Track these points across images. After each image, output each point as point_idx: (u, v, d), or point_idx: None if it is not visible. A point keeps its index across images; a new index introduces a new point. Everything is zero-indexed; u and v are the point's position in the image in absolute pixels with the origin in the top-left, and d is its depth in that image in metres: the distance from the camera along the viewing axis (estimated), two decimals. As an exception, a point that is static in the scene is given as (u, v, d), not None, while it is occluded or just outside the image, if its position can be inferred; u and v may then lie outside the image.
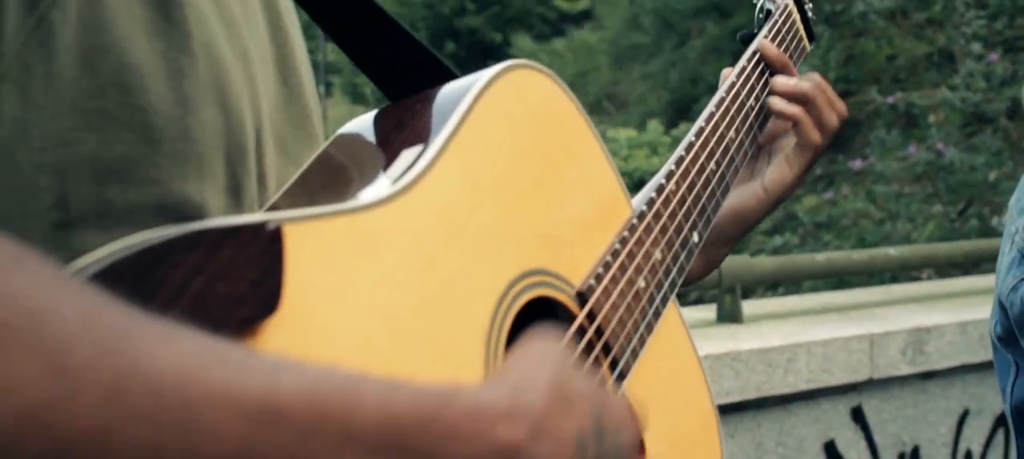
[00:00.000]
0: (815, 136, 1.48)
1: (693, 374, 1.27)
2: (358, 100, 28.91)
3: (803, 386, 3.99)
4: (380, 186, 0.94)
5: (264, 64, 0.89)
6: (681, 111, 19.09)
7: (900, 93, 7.81)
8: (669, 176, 1.28)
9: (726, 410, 3.86)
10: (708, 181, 1.35)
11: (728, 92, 1.46)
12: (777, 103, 1.48)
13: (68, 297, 0.54)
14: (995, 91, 7.54)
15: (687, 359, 1.26)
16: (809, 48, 1.73)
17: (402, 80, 1.14)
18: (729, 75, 1.51)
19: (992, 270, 2.11)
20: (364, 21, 1.13)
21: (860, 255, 4.93)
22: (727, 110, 1.44)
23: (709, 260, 1.49)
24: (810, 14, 1.79)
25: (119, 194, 0.76)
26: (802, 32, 1.71)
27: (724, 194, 1.38)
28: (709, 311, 4.72)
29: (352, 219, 0.86)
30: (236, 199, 0.85)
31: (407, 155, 0.97)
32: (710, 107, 1.43)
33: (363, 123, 1.10)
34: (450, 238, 0.94)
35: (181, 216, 0.79)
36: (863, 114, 7.97)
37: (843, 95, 8.80)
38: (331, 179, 0.99)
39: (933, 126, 7.56)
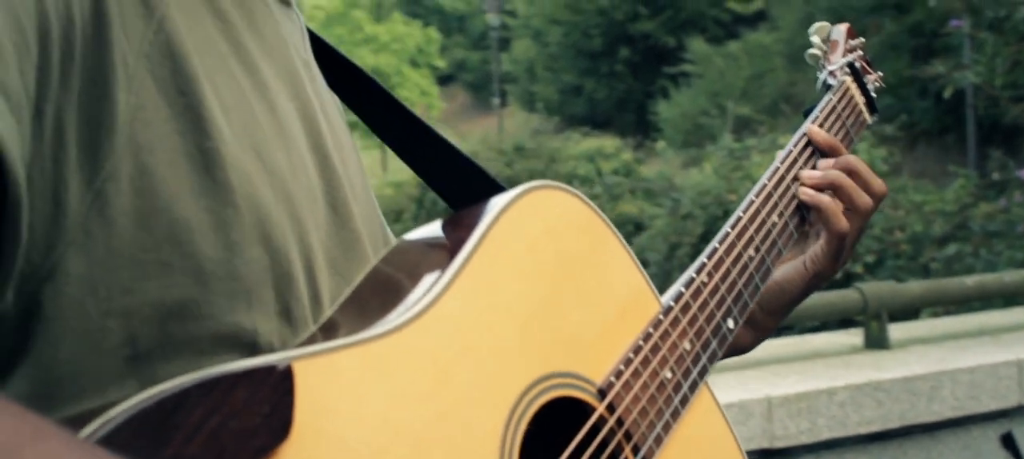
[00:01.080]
0: (841, 224, 1.50)
1: (727, 448, 1.31)
2: (533, 107, 29.18)
3: (949, 414, 3.95)
4: (400, 310, 1.02)
5: (312, 200, 0.99)
6: (860, 111, 18.74)
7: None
8: (700, 269, 1.33)
9: (869, 440, 3.85)
10: (745, 268, 1.39)
11: (771, 178, 1.50)
12: (804, 193, 1.51)
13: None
14: None
15: (720, 435, 1.31)
16: (870, 120, 1.76)
17: (457, 192, 1.25)
18: (777, 158, 1.54)
19: None
20: (419, 137, 1.27)
21: (1012, 277, 4.83)
22: (770, 196, 1.47)
23: (758, 332, 1.54)
24: (874, 85, 1.81)
25: (179, 329, 0.86)
26: (862, 106, 1.74)
27: (764, 278, 1.42)
28: (856, 336, 4.69)
29: (366, 348, 0.94)
30: (288, 321, 0.94)
31: (428, 279, 1.06)
32: (751, 196, 1.47)
33: (415, 236, 1.19)
34: (464, 354, 1.01)
35: (235, 343, 0.89)
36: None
37: (1011, 101, 8.61)
38: (379, 292, 1.08)
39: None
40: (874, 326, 4.47)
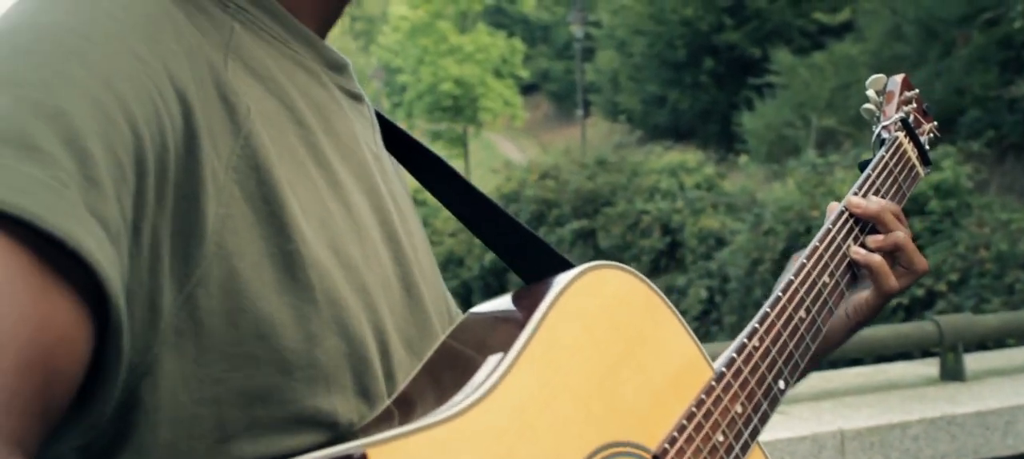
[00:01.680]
0: (891, 283, 1.58)
1: None
2: (617, 118, 29.17)
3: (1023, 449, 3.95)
4: (467, 390, 1.11)
5: (386, 286, 1.07)
6: (946, 124, 18.47)
7: None
8: (752, 334, 1.39)
9: (943, 472, 3.86)
10: (796, 330, 1.44)
11: (822, 240, 1.55)
12: (856, 253, 1.58)
13: None
14: None
15: None
16: (923, 173, 1.81)
17: (523, 263, 1.34)
18: (828, 221, 1.61)
19: None
20: (486, 212, 1.35)
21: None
22: (821, 257, 1.53)
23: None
24: (928, 136, 1.86)
25: (264, 413, 0.95)
26: (915, 159, 1.78)
27: (815, 338, 1.47)
28: (932, 366, 4.69)
29: (434, 432, 1.02)
30: (365, 399, 1.03)
31: (494, 356, 1.14)
32: (802, 259, 1.53)
33: (482, 309, 1.27)
34: (528, 431, 1.08)
35: (316, 423, 0.98)
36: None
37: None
38: (450, 366, 1.16)
39: None
40: (950, 357, 4.48)
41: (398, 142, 1.31)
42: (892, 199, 1.68)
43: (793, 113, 20.97)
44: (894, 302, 12.43)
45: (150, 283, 0.87)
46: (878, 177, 1.68)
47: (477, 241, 1.34)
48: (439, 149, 33.48)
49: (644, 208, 16.35)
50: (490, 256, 15.89)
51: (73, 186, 0.75)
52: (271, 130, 0.99)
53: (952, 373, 4.44)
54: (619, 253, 16.60)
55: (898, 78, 1.90)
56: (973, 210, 12.28)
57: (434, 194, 1.38)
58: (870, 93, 1.88)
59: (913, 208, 12.50)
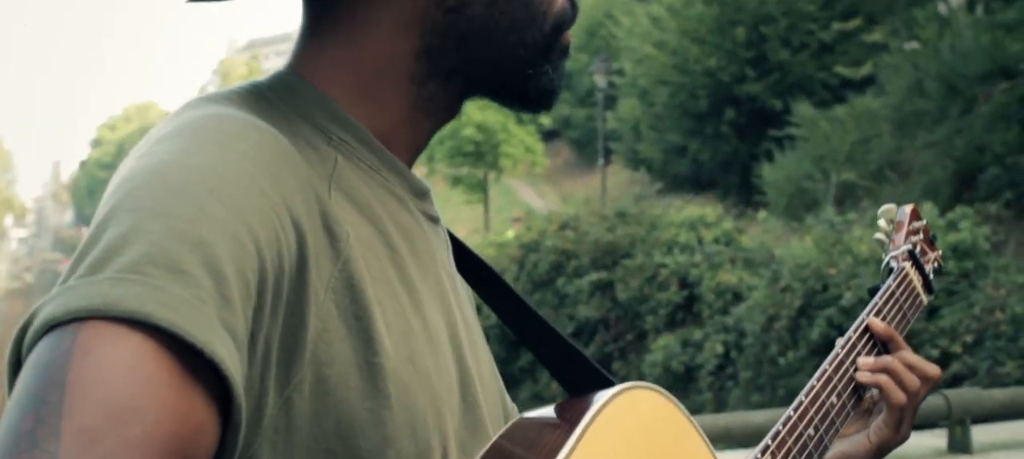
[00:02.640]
0: (899, 397, 1.68)
1: None
2: (637, 167, 29.23)
3: (1026, 525, 3.99)
4: None
5: (450, 393, 1.19)
6: (966, 181, 18.49)
7: None
8: (764, 450, 1.50)
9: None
10: (804, 447, 1.56)
11: (831, 363, 1.67)
12: (862, 376, 1.69)
13: None
14: None
15: None
16: (926, 302, 1.90)
17: (571, 379, 1.46)
18: (837, 345, 1.71)
19: None
20: (538, 329, 1.48)
21: (1003, 393, 4.85)
22: (829, 379, 1.65)
23: None
24: (933, 266, 1.96)
25: None
26: (919, 289, 1.89)
27: (822, 454, 1.59)
28: (940, 438, 4.75)
29: None
30: None
31: None
32: (813, 380, 1.63)
33: (532, 415, 1.38)
34: None
35: None
36: None
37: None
38: None
39: None
40: (958, 430, 4.54)
41: (464, 258, 1.43)
42: (897, 326, 1.78)
43: (813, 166, 21.03)
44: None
45: (259, 386, 1.00)
46: (885, 305, 1.79)
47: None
48: (460, 194, 33.66)
49: (662, 261, 16.40)
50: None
51: (210, 303, 0.90)
52: (365, 253, 1.12)
53: (960, 446, 4.51)
54: (636, 305, 16.65)
55: (907, 208, 2.02)
56: (990, 271, 12.31)
57: (491, 306, 1.49)
58: (881, 223, 1.98)
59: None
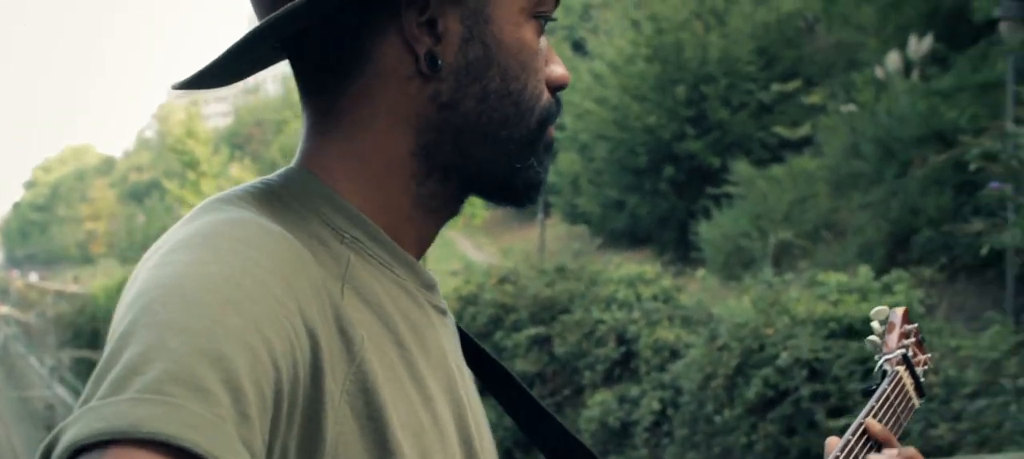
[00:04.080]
0: None
1: None
2: (575, 220, 29.32)
3: None
4: None
5: None
6: (900, 243, 18.71)
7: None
8: None
9: None
10: None
11: None
12: None
13: None
14: None
15: None
16: (917, 405, 1.96)
17: None
18: (834, 446, 1.72)
19: None
20: (540, 417, 1.54)
21: None
22: None
23: None
24: (923, 369, 2.02)
25: None
26: (912, 392, 1.94)
27: None
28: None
29: None
30: None
31: None
32: None
33: None
34: None
35: None
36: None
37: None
38: None
39: None
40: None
41: (468, 349, 1.47)
42: (890, 428, 1.81)
43: (750, 224, 21.20)
44: (842, 422, 12.54)
45: None
46: (881, 408, 1.82)
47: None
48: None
49: (601, 317, 16.42)
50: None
51: (229, 421, 0.92)
52: (378, 354, 1.15)
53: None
54: (574, 361, 16.65)
55: (899, 310, 2.08)
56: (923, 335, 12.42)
57: (496, 398, 1.57)
58: (874, 325, 2.05)
59: (865, 330, 12.58)
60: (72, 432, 0.89)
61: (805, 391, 12.31)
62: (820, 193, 21.35)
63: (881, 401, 1.83)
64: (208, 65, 1.20)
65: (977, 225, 9.25)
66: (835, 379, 12.27)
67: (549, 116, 1.31)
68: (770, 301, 13.53)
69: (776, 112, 24.48)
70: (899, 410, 1.87)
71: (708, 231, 22.08)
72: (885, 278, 13.59)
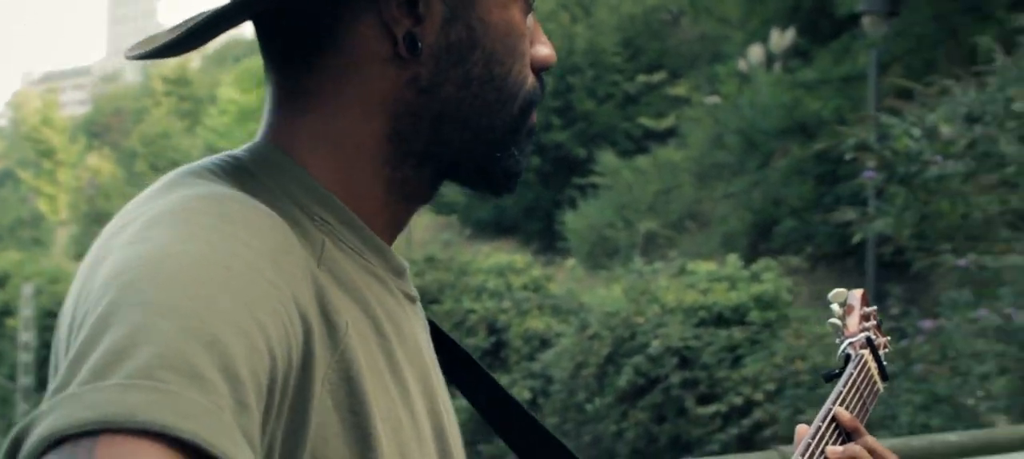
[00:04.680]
0: None
1: None
2: (441, 210, 29.31)
3: None
4: None
5: None
6: (763, 233, 19.09)
7: (973, 255, 7.90)
8: None
9: None
10: None
11: (804, 454, 1.63)
12: None
13: None
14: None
15: None
16: (882, 389, 1.91)
17: None
18: (805, 435, 1.67)
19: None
20: (512, 415, 1.47)
21: (920, 441, 4.99)
22: None
23: None
24: (885, 352, 1.97)
25: None
26: (876, 376, 1.89)
27: None
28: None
29: None
30: None
31: None
32: None
33: None
34: None
35: None
36: (935, 274, 8.07)
37: (918, 252, 8.91)
38: None
39: (1004, 289, 7.65)
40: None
41: (435, 337, 1.37)
42: (858, 414, 1.76)
43: (615, 214, 21.40)
44: (711, 409, 12.75)
45: None
46: (848, 393, 1.77)
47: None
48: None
49: (471, 307, 16.44)
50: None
51: (227, 410, 0.83)
52: (361, 342, 1.07)
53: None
54: (444, 350, 16.61)
55: (857, 293, 2.02)
56: (791, 322, 12.68)
57: (461, 390, 1.47)
58: (834, 307, 1.98)
59: (734, 318, 12.86)
60: (49, 421, 0.79)
61: (675, 379, 12.47)
62: (684, 184, 21.66)
63: (849, 386, 1.79)
64: (176, 36, 1.10)
65: (849, 214, 9.43)
66: (705, 366, 12.45)
67: (533, 101, 1.23)
68: (640, 290, 13.67)
69: (641, 103, 24.76)
70: (865, 395, 1.83)
71: (574, 221, 22.24)
72: (754, 266, 13.83)
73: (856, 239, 10.16)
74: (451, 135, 1.18)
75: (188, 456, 0.79)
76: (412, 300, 1.23)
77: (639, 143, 24.34)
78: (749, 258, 14.95)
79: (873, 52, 14.26)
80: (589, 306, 14.59)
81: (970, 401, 7.92)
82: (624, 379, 12.69)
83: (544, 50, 1.25)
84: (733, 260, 13.81)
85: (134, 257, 0.93)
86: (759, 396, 11.92)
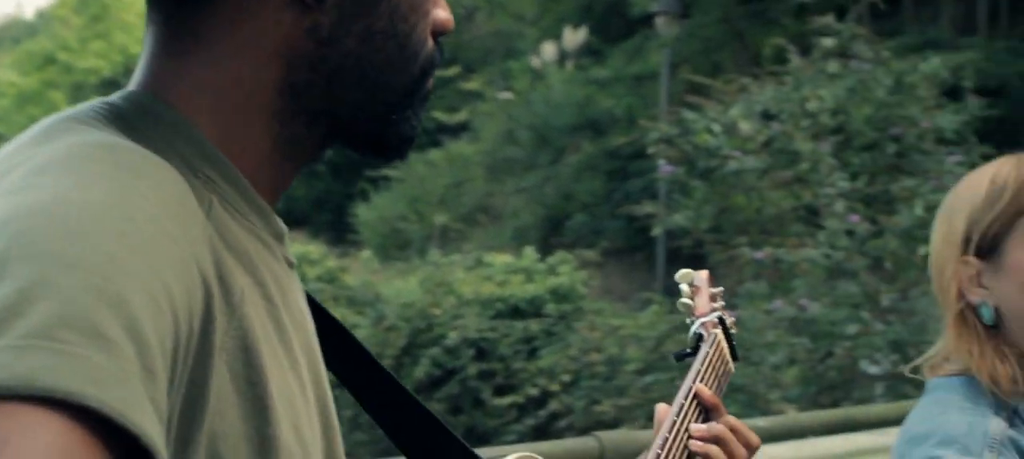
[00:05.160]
0: None
1: None
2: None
3: None
4: None
5: None
6: (555, 227, 19.37)
7: (769, 248, 8.16)
8: None
9: None
10: None
11: (671, 431, 1.61)
12: (695, 445, 1.65)
13: None
14: (857, 248, 7.96)
15: None
16: (733, 369, 1.91)
17: (420, 448, 1.37)
18: (668, 413, 1.67)
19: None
20: (389, 392, 1.37)
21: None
22: (671, 449, 1.60)
23: None
24: (733, 331, 1.98)
25: None
26: (728, 355, 1.88)
27: None
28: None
29: None
30: None
31: None
32: (655, 448, 1.58)
33: None
34: None
35: None
36: (732, 267, 8.33)
37: (716, 245, 9.19)
38: None
39: (798, 281, 7.93)
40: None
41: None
42: (714, 392, 1.75)
43: (408, 207, 21.40)
44: (507, 400, 12.87)
45: None
46: (706, 371, 1.76)
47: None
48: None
49: (265, 298, 16.19)
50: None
51: (134, 376, 0.73)
52: (255, 309, 0.97)
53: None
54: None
55: (702, 274, 2.01)
56: (586, 314, 12.89)
57: (326, 362, 1.36)
58: (683, 287, 1.97)
59: (531, 310, 13.00)
60: None
61: (472, 370, 12.53)
62: (476, 178, 21.79)
63: (706, 365, 1.78)
64: None
65: (649, 207, 9.63)
66: (502, 358, 12.55)
67: (432, 65, 1.16)
68: (437, 281, 13.68)
69: (434, 97, 24.54)
70: (720, 374, 1.82)
71: (365, 213, 22.13)
72: (550, 259, 14.00)
73: (655, 232, 10.39)
74: (348, 92, 1.10)
75: (93, 430, 0.70)
76: (291, 266, 1.14)
77: (432, 137, 24.36)
78: (541, 252, 15.15)
79: (666, 52, 14.63)
80: (385, 298, 14.53)
81: (762, 390, 8.18)
82: (421, 370, 12.69)
83: (443, 14, 1.17)
84: (529, 253, 13.96)
85: (23, 206, 0.82)
86: (555, 387, 12.08)
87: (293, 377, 1.01)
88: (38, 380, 0.68)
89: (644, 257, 17.85)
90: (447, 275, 13.88)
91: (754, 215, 8.50)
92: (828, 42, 8.69)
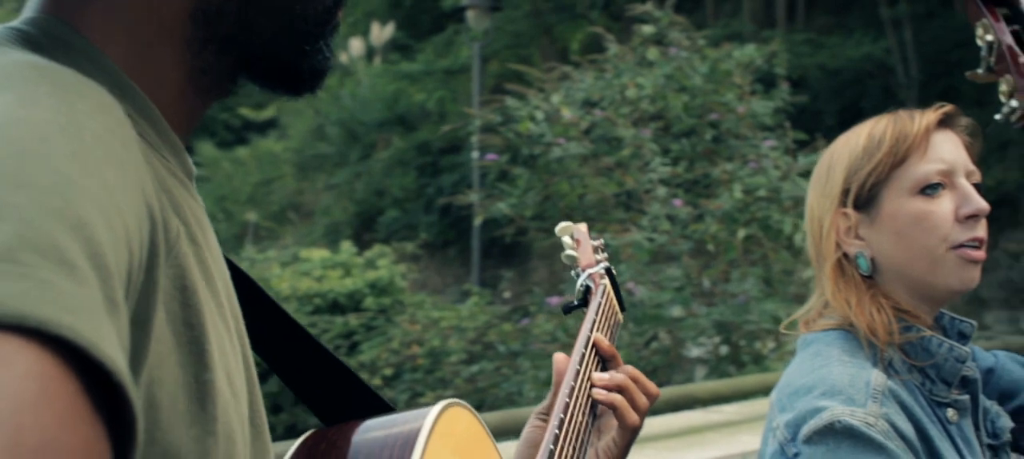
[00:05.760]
0: (634, 418, 1.66)
1: None
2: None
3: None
4: None
5: (243, 420, 0.99)
6: (367, 223, 19.28)
7: (594, 234, 8.26)
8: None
9: None
10: None
11: (576, 379, 1.63)
12: (599, 394, 1.66)
13: None
14: (679, 232, 8.14)
15: None
16: (622, 319, 1.92)
17: (331, 403, 1.31)
18: (569, 364, 1.67)
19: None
20: (296, 342, 1.31)
21: None
22: (577, 398, 1.61)
23: None
24: (618, 282, 1.99)
25: None
26: (616, 306, 1.90)
27: None
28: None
29: None
30: None
31: None
32: (564, 397, 1.59)
33: (363, 433, 1.22)
34: None
35: None
36: (557, 254, 8.40)
37: (539, 232, 9.27)
38: None
39: (623, 266, 8.06)
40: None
41: None
42: (609, 341, 1.77)
43: (215, 206, 21.02)
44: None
45: None
46: (600, 321, 1.78)
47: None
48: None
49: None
50: None
51: (102, 309, 0.66)
52: (189, 247, 0.92)
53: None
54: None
55: (582, 226, 2.04)
56: (406, 308, 12.88)
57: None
58: (565, 239, 1.98)
59: (350, 305, 12.92)
60: None
61: (292, 367, 12.35)
62: (286, 175, 21.54)
63: (600, 314, 1.80)
64: None
65: (472, 196, 9.63)
66: (322, 354, 12.41)
67: None
68: (256, 278, 13.47)
69: (241, 94, 24.29)
70: (612, 324, 1.84)
71: (172, 212, 21.67)
72: (368, 253, 13.93)
73: (476, 222, 10.42)
74: (260, 19, 1.05)
75: (65, 361, 0.63)
76: (201, 206, 1.07)
77: (239, 134, 24.01)
78: (358, 248, 15.09)
79: (476, 45, 14.69)
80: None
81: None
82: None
83: None
84: (347, 247, 13.86)
85: None
86: (377, 381, 12.02)
87: (221, 322, 0.97)
88: (5, 305, 0.61)
89: (458, 250, 17.93)
90: (263, 271, 13.67)
91: (577, 201, 8.61)
92: (647, 29, 8.87)
